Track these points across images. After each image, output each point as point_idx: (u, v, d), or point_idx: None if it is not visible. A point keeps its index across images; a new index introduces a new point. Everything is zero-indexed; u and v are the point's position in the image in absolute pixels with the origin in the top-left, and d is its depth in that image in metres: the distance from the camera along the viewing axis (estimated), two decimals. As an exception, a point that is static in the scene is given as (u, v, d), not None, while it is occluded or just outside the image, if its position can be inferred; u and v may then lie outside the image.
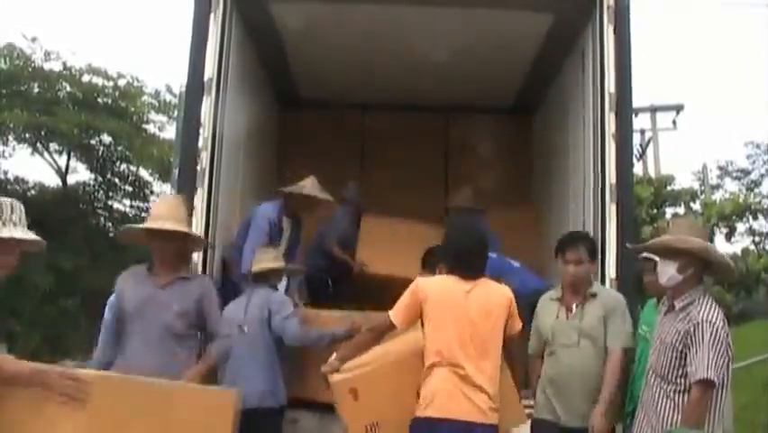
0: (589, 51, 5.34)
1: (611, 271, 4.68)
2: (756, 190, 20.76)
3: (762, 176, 22.61)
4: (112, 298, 3.97)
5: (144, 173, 15.22)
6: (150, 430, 2.94)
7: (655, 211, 15.26)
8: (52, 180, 15.13)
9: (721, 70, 50.21)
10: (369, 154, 7.68)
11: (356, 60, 6.59)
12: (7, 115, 12.78)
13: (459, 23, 5.87)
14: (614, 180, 4.84)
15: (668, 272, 3.44)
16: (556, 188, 6.44)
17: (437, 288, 3.73)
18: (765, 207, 16.28)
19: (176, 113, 13.62)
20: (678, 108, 20.09)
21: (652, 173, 18.49)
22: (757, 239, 16.52)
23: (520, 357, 4.08)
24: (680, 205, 15.98)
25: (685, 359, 3.29)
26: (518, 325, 3.79)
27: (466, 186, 6.41)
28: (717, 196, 18.51)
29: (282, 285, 4.99)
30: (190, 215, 4.79)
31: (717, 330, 3.25)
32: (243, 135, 5.97)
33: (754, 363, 10.45)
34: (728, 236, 15.23)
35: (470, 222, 5.63)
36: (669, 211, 15.71)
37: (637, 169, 17.89)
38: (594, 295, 4.07)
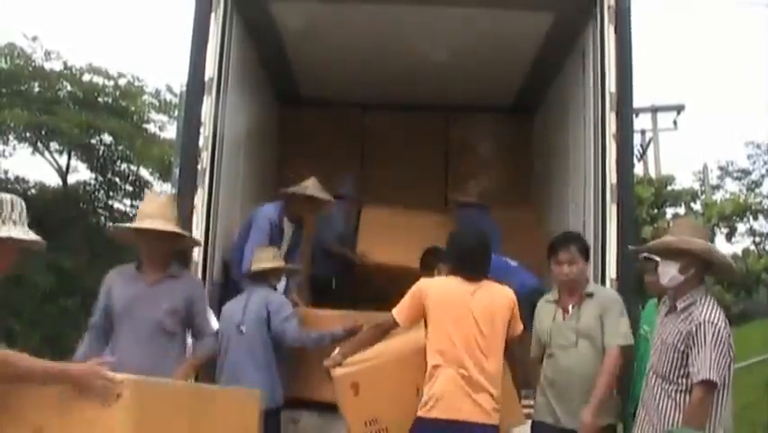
0: (590, 51, 5.34)
1: (611, 271, 4.68)
2: (757, 191, 20.80)
3: (762, 176, 22.66)
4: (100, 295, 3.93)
5: (145, 173, 15.22)
6: (191, 431, 3.01)
7: (656, 211, 15.25)
8: (53, 180, 15.14)
9: (721, 70, 50.28)
10: (369, 154, 7.68)
11: (356, 60, 6.59)
12: (8, 114, 12.77)
13: (459, 23, 5.87)
14: (614, 180, 4.84)
15: (669, 273, 3.44)
16: (556, 188, 6.44)
17: (441, 289, 3.76)
18: (766, 207, 16.28)
19: (176, 112, 13.62)
20: (678, 108, 20.09)
21: (652, 173, 18.49)
22: (758, 239, 16.52)
23: (521, 358, 4.10)
24: (680, 205, 15.98)
25: (687, 359, 3.29)
26: (520, 327, 3.83)
27: (472, 181, 6.44)
28: (718, 196, 18.51)
29: (281, 285, 4.99)
30: (191, 213, 4.81)
31: (719, 331, 3.25)
32: (244, 135, 5.97)
33: (754, 363, 10.46)
34: (729, 237, 15.23)
35: (474, 223, 5.68)
36: (669, 211, 15.72)
37: (638, 169, 17.90)
38: (590, 295, 4.06)
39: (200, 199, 4.88)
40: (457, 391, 3.54)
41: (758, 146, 22.62)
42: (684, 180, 20.61)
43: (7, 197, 2.90)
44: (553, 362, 4.06)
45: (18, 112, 12.85)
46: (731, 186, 22.82)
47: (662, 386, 3.40)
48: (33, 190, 14.70)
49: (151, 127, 15.04)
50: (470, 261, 3.79)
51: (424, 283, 3.82)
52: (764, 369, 10.29)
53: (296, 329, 4.53)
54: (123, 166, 15.09)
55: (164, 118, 15.01)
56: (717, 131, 44.19)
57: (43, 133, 13.77)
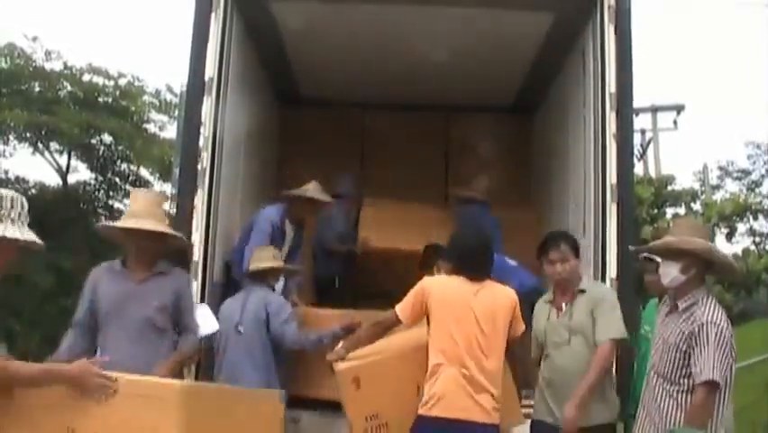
0: (590, 51, 5.34)
1: (611, 271, 4.68)
2: (757, 191, 20.73)
3: (762, 176, 22.58)
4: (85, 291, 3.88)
5: (145, 173, 15.18)
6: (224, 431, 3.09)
7: (656, 211, 15.25)
8: (53, 180, 15.11)
9: (721, 70, 50.23)
10: (369, 154, 7.68)
11: (356, 60, 6.59)
12: (8, 114, 12.75)
13: (459, 23, 5.87)
14: (614, 180, 4.84)
15: (671, 273, 3.43)
16: (556, 187, 6.44)
17: (443, 288, 3.78)
18: (766, 207, 16.27)
19: (176, 112, 13.59)
20: (679, 108, 20.08)
21: (652, 173, 18.49)
22: (758, 239, 16.50)
23: (521, 358, 4.11)
24: (680, 205, 15.98)
25: (689, 359, 3.29)
26: (521, 327, 3.85)
27: (474, 177, 6.45)
28: (718, 196, 18.50)
29: (279, 285, 4.99)
30: (190, 213, 4.82)
31: (721, 331, 3.25)
32: (244, 135, 5.97)
33: (754, 363, 10.45)
34: (729, 237, 15.23)
35: (476, 220, 5.70)
36: (669, 211, 15.72)
37: (638, 169, 17.89)
38: (582, 291, 4.05)
39: (200, 199, 4.88)
40: (458, 390, 3.56)
41: (758, 146, 22.56)
42: (684, 180, 20.64)
43: (8, 193, 2.87)
44: (549, 361, 4.07)
45: (18, 112, 12.83)
46: (731, 186, 22.79)
47: (663, 386, 3.40)
48: (33, 190, 14.68)
49: (151, 127, 15.01)
50: (472, 261, 3.81)
51: (427, 282, 3.84)
52: (765, 369, 10.29)
53: (295, 332, 4.53)
54: (123, 166, 15.06)
55: (164, 118, 14.99)
56: (717, 131, 44.21)
57: (43, 133, 13.75)
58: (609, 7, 5.04)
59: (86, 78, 14.03)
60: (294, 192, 5.31)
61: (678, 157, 45.92)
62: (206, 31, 5.07)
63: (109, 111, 13.88)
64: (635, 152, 15.25)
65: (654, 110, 19.97)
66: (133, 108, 14.34)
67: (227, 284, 5.16)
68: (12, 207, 2.83)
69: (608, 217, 4.80)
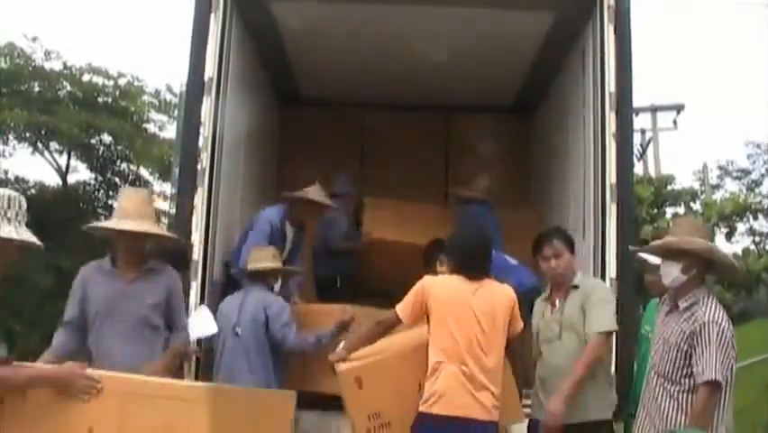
0: (590, 51, 5.34)
1: (611, 270, 4.68)
2: (757, 190, 20.72)
3: (762, 176, 22.57)
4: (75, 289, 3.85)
5: (145, 173, 15.18)
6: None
7: (656, 211, 15.26)
8: (52, 180, 15.11)
9: (721, 70, 50.17)
10: (369, 154, 7.69)
11: (356, 60, 6.59)
12: (8, 114, 12.76)
13: (459, 23, 5.87)
14: (614, 180, 4.84)
15: (672, 273, 3.43)
16: (556, 187, 6.45)
17: (443, 287, 3.81)
18: (766, 206, 16.27)
19: (176, 112, 13.58)
20: (678, 108, 20.07)
21: (652, 173, 18.49)
22: (757, 239, 16.51)
23: (521, 356, 4.11)
24: (680, 205, 15.98)
25: (690, 359, 3.29)
26: (520, 325, 3.87)
27: (474, 177, 6.46)
28: (718, 196, 18.50)
29: (276, 285, 4.99)
30: (190, 213, 4.82)
31: (723, 331, 3.25)
32: (244, 135, 5.97)
33: (754, 362, 10.45)
34: (729, 236, 15.24)
35: (478, 219, 5.72)
36: (669, 211, 15.73)
37: (638, 168, 17.88)
38: (576, 287, 4.05)
39: (200, 199, 4.88)
40: (458, 387, 3.59)
41: (758, 146, 22.53)
42: (684, 180, 20.60)
43: (5, 193, 2.85)
44: (542, 358, 4.08)
45: (18, 112, 12.82)
46: (731, 186, 22.77)
47: (663, 386, 3.40)
48: (33, 190, 14.68)
49: (151, 127, 15.02)
50: (471, 260, 3.84)
51: (426, 281, 3.87)
52: (765, 369, 10.29)
53: (296, 335, 4.54)
54: (123, 166, 15.07)
55: (164, 118, 14.98)
56: (717, 131, 44.15)
57: (43, 133, 13.75)
58: (609, 7, 5.04)
59: (85, 77, 14.02)
60: (295, 194, 5.31)
61: (678, 157, 45.94)
62: (206, 30, 5.06)
63: (109, 111, 13.88)
64: (635, 151, 15.24)
65: (654, 110, 19.96)
66: (133, 108, 14.33)
67: (227, 284, 5.16)
68: (9, 206, 2.82)
69: (608, 217, 4.80)
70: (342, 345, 3.91)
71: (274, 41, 6.30)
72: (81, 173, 15.20)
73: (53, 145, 14.41)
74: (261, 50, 6.29)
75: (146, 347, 3.74)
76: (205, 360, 4.69)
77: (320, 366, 4.45)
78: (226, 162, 5.28)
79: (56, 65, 13.85)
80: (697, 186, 18.81)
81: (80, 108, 13.54)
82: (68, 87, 13.91)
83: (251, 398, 3.60)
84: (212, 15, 5.09)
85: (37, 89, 13.80)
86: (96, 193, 15.19)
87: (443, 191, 7.38)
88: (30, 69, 13.54)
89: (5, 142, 14.10)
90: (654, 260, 4.25)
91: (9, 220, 2.81)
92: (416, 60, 6.43)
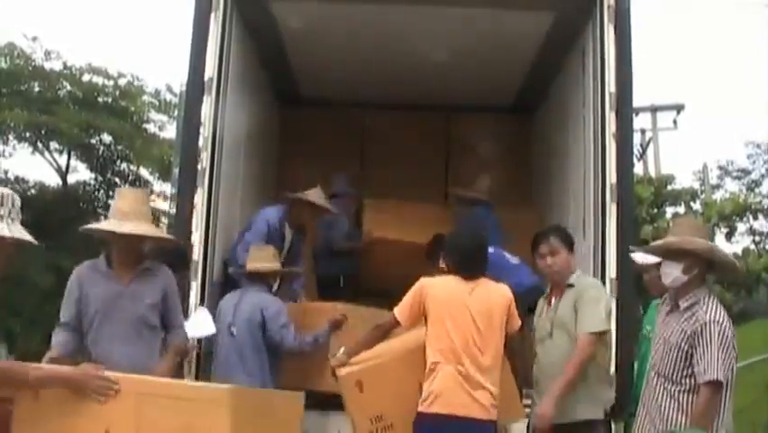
0: (590, 51, 5.34)
1: (611, 270, 4.68)
2: (757, 190, 20.70)
3: (762, 176, 22.55)
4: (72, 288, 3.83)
5: (145, 173, 15.22)
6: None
7: (656, 211, 15.25)
8: (53, 180, 15.14)
9: (721, 70, 50.09)
10: (369, 154, 7.68)
11: (356, 60, 6.59)
12: (8, 114, 12.77)
13: (459, 23, 5.87)
14: (614, 180, 4.84)
15: (673, 274, 3.43)
16: (556, 187, 6.45)
17: (439, 288, 3.83)
18: (766, 206, 16.28)
19: (176, 112, 13.60)
20: (678, 108, 20.05)
21: (652, 173, 18.48)
22: (757, 239, 16.52)
23: (521, 355, 4.12)
24: (680, 204, 15.97)
25: (691, 359, 3.29)
26: (517, 323, 3.88)
27: (475, 177, 6.46)
28: (718, 195, 18.49)
29: (275, 286, 4.99)
30: (190, 213, 4.82)
31: (724, 330, 3.25)
32: (244, 135, 5.96)
33: (754, 362, 10.45)
34: (729, 236, 15.24)
35: (479, 220, 5.72)
36: (669, 211, 15.72)
37: (638, 168, 17.87)
38: (571, 286, 4.05)
39: (200, 199, 4.88)
40: (456, 387, 3.62)
41: (758, 146, 22.51)
42: (684, 180, 20.49)
43: None
44: (537, 357, 4.09)
45: (18, 112, 12.84)
46: (731, 185, 22.76)
47: (664, 385, 3.40)
48: (33, 190, 14.71)
49: (151, 127, 15.05)
50: (467, 260, 3.87)
51: (424, 282, 3.88)
52: (765, 368, 10.29)
53: (294, 336, 4.55)
54: (123, 166, 15.09)
55: (164, 118, 15.02)
56: (717, 130, 44.10)
57: (43, 133, 13.77)
58: (609, 7, 5.04)
59: (85, 77, 14.05)
60: (294, 195, 5.31)
61: (678, 157, 45.86)
62: (206, 30, 5.06)
63: (109, 111, 13.90)
64: (635, 151, 15.24)
65: (654, 110, 19.95)
66: (133, 108, 14.35)
67: (226, 283, 5.16)
68: (1, 204, 2.81)
69: (608, 217, 4.80)
70: (342, 350, 3.92)
71: (274, 41, 6.30)
72: (81, 173, 15.25)
73: (53, 145, 14.43)
74: (261, 50, 6.28)
75: (145, 347, 3.74)
76: (205, 361, 4.69)
77: (317, 365, 4.48)
78: (226, 162, 5.28)
79: (56, 65, 13.90)
80: (697, 186, 18.80)
81: (80, 108, 13.56)
82: (68, 87, 13.93)
83: (263, 398, 3.63)
84: (212, 15, 5.08)
85: (37, 89, 13.82)
86: (96, 193, 15.21)
87: (443, 191, 7.38)
88: (30, 69, 13.56)
89: (5, 142, 14.12)
90: (642, 259, 4.26)
91: (2, 217, 2.80)
92: (416, 60, 6.42)
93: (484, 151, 7.42)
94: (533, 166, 7.54)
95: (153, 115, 14.91)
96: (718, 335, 3.23)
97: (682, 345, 3.31)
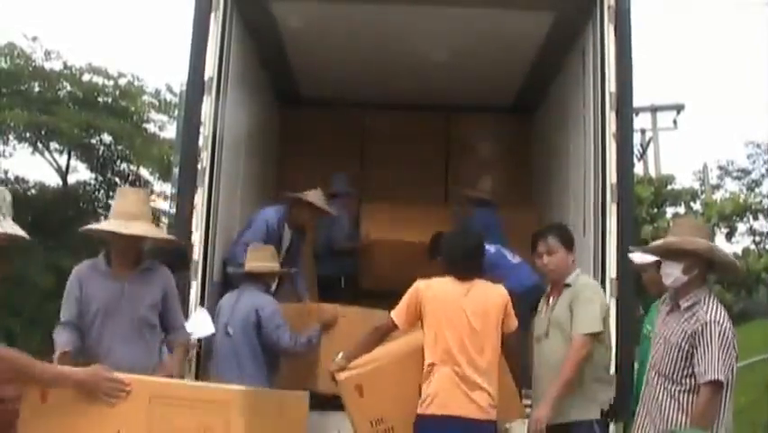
0: (590, 51, 5.34)
1: (611, 270, 4.68)
2: (757, 190, 20.70)
3: (762, 176, 22.54)
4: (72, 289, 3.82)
5: (145, 172, 15.21)
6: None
7: (656, 211, 15.28)
8: (53, 180, 15.12)
9: (721, 70, 50.11)
10: (369, 153, 7.69)
11: (356, 60, 6.59)
12: (8, 114, 12.77)
13: (459, 23, 5.87)
14: (614, 180, 4.84)
15: (673, 274, 3.42)
16: (556, 187, 6.45)
17: (435, 289, 3.84)
18: (766, 207, 16.29)
19: (176, 112, 13.59)
20: (678, 108, 20.07)
21: (652, 173, 18.50)
22: (757, 239, 16.52)
23: (519, 355, 4.11)
24: (680, 204, 16.00)
25: (691, 359, 3.28)
26: (514, 323, 3.87)
27: (475, 177, 6.46)
28: (718, 196, 18.51)
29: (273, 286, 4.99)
30: (190, 213, 4.82)
31: (725, 330, 3.25)
32: (244, 134, 5.97)
33: (754, 362, 10.45)
34: (729, 236, 15.27)
35: (484, 222, 5.73)
36: (669, 211, 15.75)
37: (638, 168, 17.89)
38: (568, 285, 4.02)
39: (200, 199, 4.88)
40: (453, 388, 3.63)
41: (758, 146, 22.51)
42: (684, 180, 20.49)
43: None
44: (534, 357, 4.08)
45: (18, 112, 12.83)
46: (731, 185, 22.76)
47: (664, 385, 3.39)
48: (33, 190, 14.70)
49: (151, 127, 15.03)
50: (462, 261, 3.87)
51: (419, 285, 3.88)
52: (765, 368, 10.29)
53: (290, 337, 4.55)
54: (123, 166, 15.08)
55: (164, 118, 15.00)
56: (717, 130, 44.10)
57: (43, 133, 13.76)
58: (609, 7, 5.04)
59: (85, 77, 14.04)
60: (294, 195, 5.31)
61: (678, 157, 45.95)
62: (206, 30, 5.06)
63: (109, 111, 13.89)
64: (635, 151, 15.24)
65: (654, 110, 19.96)
66: (133, 108, 14.34)
67: (225, 283, 5.17)
68: None
69: (608, 217, 4.80)
70: (341, 354, 3.92)
71: (274, 41, 6.30)
72: (81, 173, 15.23)
73: (53, 145, 14.42)
74: (261, 50, 6.29)
75: (145, 347, 3.75)
76: (205, 361, 4.70)
77: (312, 366, 4.50)
78: (226, 162, 5.28)
79: (56, 65, 13.88)
80: (697, 186, 18.84)
81: (80, 108, 13.55)
82: (68, 87, 13.92)
83: (273, 399, 3.65)
84: (212, 15, 5.08)
85: (37, 89, 13.81)
86: (96, 193, 15.20)
87: (443, 191, 7.39)
88: (30, 69, 13.55)
89: (5, 142, 14.11)
90: (639, 259, 4.25)
91: None
92: (416, 60, 6.43)
93: (484, 151, 7.43)
94: (533, 166, 7.55)
95: (153, 114, 14.90)
96: (719, 335, 3.23)
97: (683, 344, 3.31)
